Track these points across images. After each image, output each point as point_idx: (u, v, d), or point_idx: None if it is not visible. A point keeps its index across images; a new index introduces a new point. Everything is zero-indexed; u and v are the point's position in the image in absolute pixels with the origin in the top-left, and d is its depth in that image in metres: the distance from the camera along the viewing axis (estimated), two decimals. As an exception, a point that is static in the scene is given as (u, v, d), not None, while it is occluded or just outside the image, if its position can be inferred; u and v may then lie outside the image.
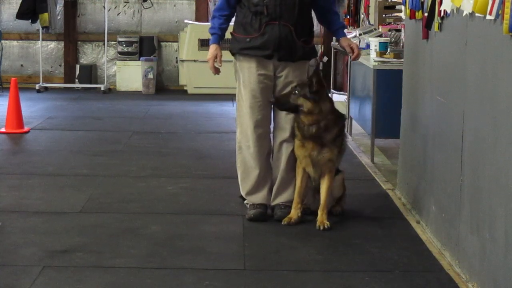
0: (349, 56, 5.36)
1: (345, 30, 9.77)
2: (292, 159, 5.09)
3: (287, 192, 5.15)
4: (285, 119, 5.09)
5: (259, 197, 5.15)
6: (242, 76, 5.08)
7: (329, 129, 4.91)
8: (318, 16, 5.28)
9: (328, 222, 4.92)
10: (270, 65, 5.04)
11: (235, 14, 5.14)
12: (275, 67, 5.04)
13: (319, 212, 4.96)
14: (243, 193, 5.22)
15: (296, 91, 4.88)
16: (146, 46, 12.37)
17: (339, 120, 4.99)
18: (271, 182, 5.19)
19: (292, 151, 5.06)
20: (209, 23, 12.39)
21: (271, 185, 5.18)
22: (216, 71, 5.15)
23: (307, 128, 4.90)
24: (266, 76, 5.05)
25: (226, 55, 5.19)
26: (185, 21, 12.29)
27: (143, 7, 12.63)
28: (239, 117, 5.15)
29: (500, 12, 3.46)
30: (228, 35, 5.18)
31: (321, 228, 4.89)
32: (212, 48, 5.12)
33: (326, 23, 5.33)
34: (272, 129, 5.21)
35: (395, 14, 9.27)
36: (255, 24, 4.98)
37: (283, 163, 5.12)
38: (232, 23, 5.19)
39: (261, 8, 4.95)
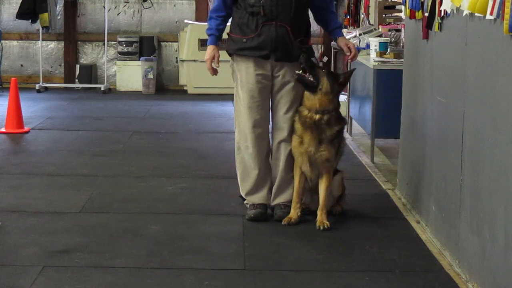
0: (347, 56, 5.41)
1: (345, 30, 9.82)
2: (291, 159, 5.09)
3: (287, 192, 5.14)
4: (283, 118, 5.08)
5: (259, 197, 5.15)
6: (240, 77, 5.08)
7: (330, 125, 4.91)
8: (315, 15, 5.28)
9: (328, 222, 4.92)
10: (268, 65, 5.04)
11: (232, 15, 5.13)
12: (272, 66, 5.04)
13: (319, 212, 4.96)
14: (242, 193, 5.22)
15: (325, 70, 4.94)
16: (146, 46, 12.37)
17: (340, 121, 5.01)
18: (271, 182, 5.19)
19: (291, 150, 5.06)
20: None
21: (271, 185, 5.18)
22: (214, 72, 5.15)
23: (310, 114, 4.88)
24: (264, 76, 5.05)
25: (225, 55, 5.19)
26: (185, 21, 12.30)
27: (143, 7, 12.63)
28: (238, 118, 5.15)
29: (500, 12, 3.46)
30: (225, 36, 5.18)
31: (321, 228, 4.89)
32: (210, 49, 5.11)
33: (323, 22, 5.32)
34: (270, 129, 5.20)
35: (395, 14, 9.28)
36: (251, 25, 4.97)
37: (282, 163, 5.12)
38: (228, 23, 5.18)
39: (257, 9, 4.94)
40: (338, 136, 5.00)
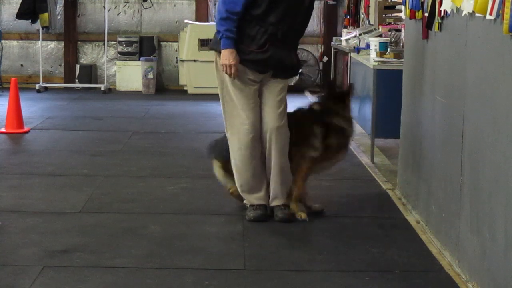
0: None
1: (345, 30, 9.83)
2: (284, 159, 5.08)
3: (285, 193, 5.12)
4: (274, 120, 5.04)
5: (257, 198, 5.12)
6: (230, 81, 5.02)
7: None
8: None
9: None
10: (262, 75, 5.05)
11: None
12: (265, 76, 5.05)
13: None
14: (238, 189, 5.18)
15: (346, 115, 5.25)
16: (146, 46, 12.38)
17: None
18: (268, 182, 5.15)
19: (283, 150, 5.06)
20: (209, 23, 12.37)
21: (268, 184, 5.15)
22: (235, 75, 5.00)
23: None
24: (255, 81, 5.05)
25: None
26: (185, 21, 12.30)
27: (143, 7, 12.64)
28: (230, 119, 5.10)
29: (500, 12, 3.47)
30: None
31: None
32: (232, 53, 4.91)
33: None
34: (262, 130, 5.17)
35: (395, 14, 9.28)
36: (259, 40, 4.95)
37: (277, 166, 5.07)
38: None
39: (274, 30, 4.93)
40: None
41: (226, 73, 4.97)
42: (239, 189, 5.19)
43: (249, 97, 5.03)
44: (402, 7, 6.50)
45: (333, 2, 12.36)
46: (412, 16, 5.29)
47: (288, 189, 5.13)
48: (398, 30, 8.14)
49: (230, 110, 5.08)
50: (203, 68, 11.65)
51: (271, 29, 4.94)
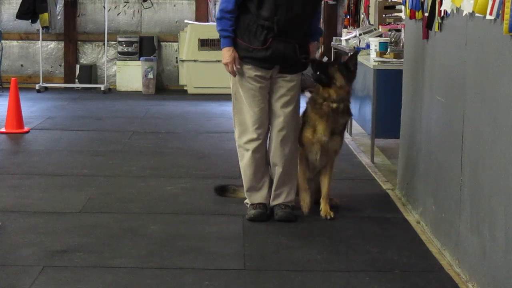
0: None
1: (345, 30, 9.82)
2: (290, 158, 5.09)
3: (287, 192, 5.13)
4: (283, 118, 5.06)
5: (258, 197, 5.14)
6: (239, 77, 5.05)
7: (345, 114, 5.18)
8: None
9: (331, 212, 5.07)
10: (269, 72, 5.04)
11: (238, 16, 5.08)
12: (272, 72, 5.05)
13: (323, 201, 5.12)
14: (244, 189, 5.19)
15: (336, 65, 5.13)
16: (146, 46, 12.38)
17: (350, 111, 5.25)
18: (270, 181, 5.17)
19: (290, 150, 5.07)
20: (209, 23, 12.38)
21: (270, 184, 5.17)
22: (234, 73, 5.08)
23: (327, 104, 5.07)
24: (263, 77, 5.04)
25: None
26: (185, 21, 12.30)
27: (143, 7, 12.64)
28: (237, 115, 5.13)
29: (500, 12, 3.47)
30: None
31: (328, 217, 5.05)
32: (229, 51, 4.99)
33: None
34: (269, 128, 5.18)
35: (395, 14, 9.28)
36: (259, 36, 4.95)
37: (281, 163, 5.10)
38: None
39: (270, 24, 4.91)
40: (345, 127, 5.31)
41: (228, 71, 5.04)
42: (244, 188, 5.19)
43: (256, 94, 5.03)
44: (402, 7, 6.50)
45: (333, 2, 12.35)
46: (412, 16, 5.29)
47: (292, 190, 5.14)
48: (398, 30, 8.14)
49: (239, 107, 5.09)
50: (203, 68, 11.65)
51: (267, 24, 4.92)
